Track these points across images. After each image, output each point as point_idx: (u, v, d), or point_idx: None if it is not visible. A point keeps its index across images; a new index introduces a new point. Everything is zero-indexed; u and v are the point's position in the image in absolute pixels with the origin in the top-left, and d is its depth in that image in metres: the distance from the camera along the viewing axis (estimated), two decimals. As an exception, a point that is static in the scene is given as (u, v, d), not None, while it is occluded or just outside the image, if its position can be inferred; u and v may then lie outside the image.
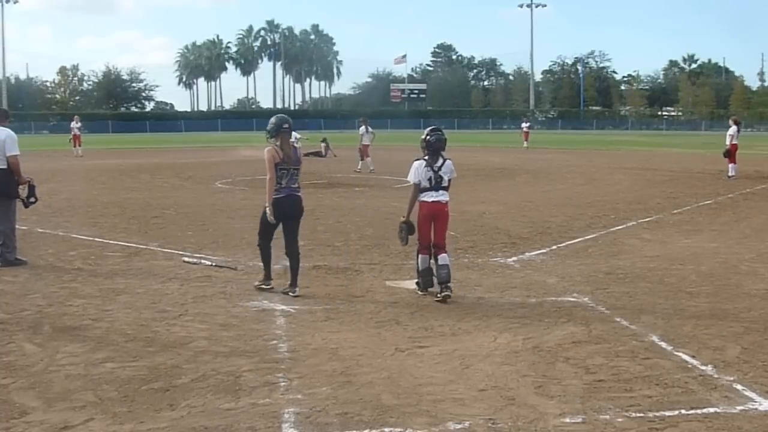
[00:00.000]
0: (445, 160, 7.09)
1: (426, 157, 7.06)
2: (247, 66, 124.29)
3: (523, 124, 44.32)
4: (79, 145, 32.68)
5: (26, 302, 6.74)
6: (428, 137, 7.09)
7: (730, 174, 20.43)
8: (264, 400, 4.43)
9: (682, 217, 12.91)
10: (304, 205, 7.25)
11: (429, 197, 7.00)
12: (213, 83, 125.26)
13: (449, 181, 7.13)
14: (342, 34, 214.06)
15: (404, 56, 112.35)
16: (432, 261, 7.06)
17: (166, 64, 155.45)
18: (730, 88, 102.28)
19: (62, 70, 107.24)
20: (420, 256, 7.11)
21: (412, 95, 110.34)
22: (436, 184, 7.01)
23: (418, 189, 7.04)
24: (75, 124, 33.45)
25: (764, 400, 4.45)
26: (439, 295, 6.83)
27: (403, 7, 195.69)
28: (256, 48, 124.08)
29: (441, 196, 7.04)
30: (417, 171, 7.03)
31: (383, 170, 22.06)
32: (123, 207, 14.05)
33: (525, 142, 40.56)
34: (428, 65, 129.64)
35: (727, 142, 20.79)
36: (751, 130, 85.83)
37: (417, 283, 7.22)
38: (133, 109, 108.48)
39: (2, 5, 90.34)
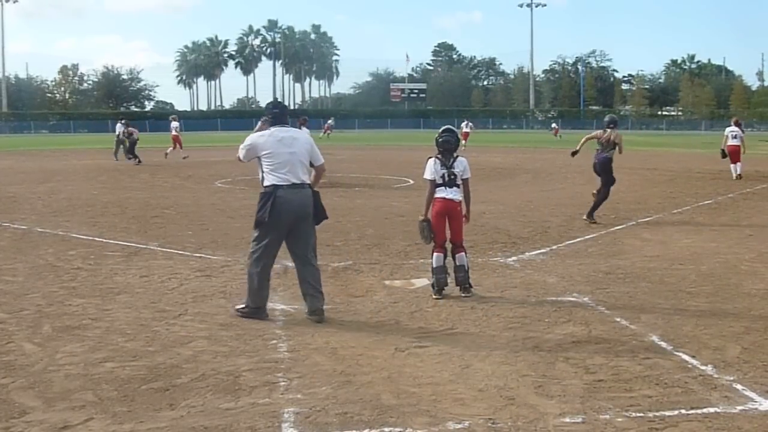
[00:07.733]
0: (456, 158, 7.18)
1: (439, 155, 7.16)
2: (247, 65, 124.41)
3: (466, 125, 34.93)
4: (180, 147, 29.60)
5: (26, 302, 6.74)
6: (438, 138, 7.22)
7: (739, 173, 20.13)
8: (264, 399, 4.42)
9: (682, 217, 12.91)
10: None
11: (442, 194, 7.08)
12: (213, 82, 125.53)
13: (465, 180, 7.18)
14: (342, 33, 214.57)
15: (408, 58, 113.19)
16: (449, 260, 7.09)
17: (166, 64, 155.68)
18: (730, 88, 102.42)
19: (63, 70, 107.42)
20: (435, 254, 7.07)
21: (412, 95, 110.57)
22: (450, 181, 7.07)
23: (434, 186, 7.10)
24: (174, 123, 30.55)
25: (764, 400, 4.44)
26: (462, 294, 7.03)
27: (404, 6, 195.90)
28: (256, 47, 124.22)
29: (453, 194, 7.10)
30: (430, 168, 7.12)
31: (383, 170, 22.06)
32: (123, 207, 14.04)
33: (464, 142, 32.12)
34: (428, 65, 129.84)
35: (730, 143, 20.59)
36: (752, 130, 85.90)
37: (432, 285, 7.10)
38: (133, 108, 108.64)
39: (2, 5, 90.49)
